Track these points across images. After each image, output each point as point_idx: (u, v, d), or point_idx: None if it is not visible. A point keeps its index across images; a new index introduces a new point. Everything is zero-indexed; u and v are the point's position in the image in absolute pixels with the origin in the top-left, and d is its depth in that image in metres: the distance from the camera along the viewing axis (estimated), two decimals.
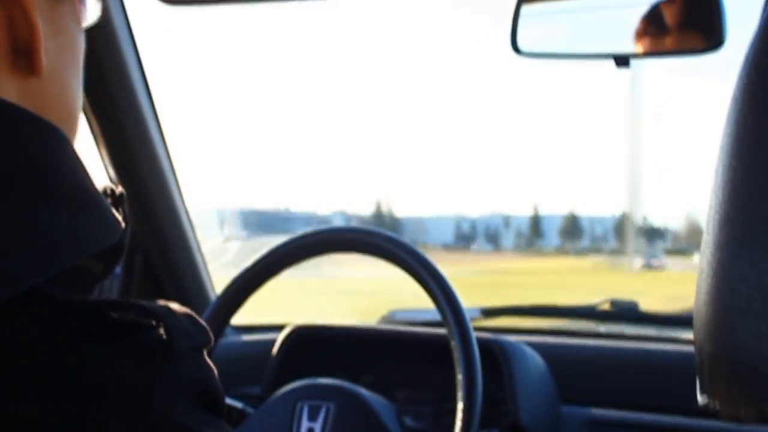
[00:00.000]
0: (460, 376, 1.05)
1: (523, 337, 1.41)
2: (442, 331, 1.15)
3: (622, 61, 0.98)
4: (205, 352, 0.44)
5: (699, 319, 0.41)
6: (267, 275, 1.21)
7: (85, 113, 1.34)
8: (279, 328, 1.49)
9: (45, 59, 0.44)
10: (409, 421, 1.19)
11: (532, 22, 1.03)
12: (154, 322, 0.42)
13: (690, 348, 1.29)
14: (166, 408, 0.39)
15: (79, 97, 0.50)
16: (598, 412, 1.30)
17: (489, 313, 1.60)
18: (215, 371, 0.44)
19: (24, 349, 0.38)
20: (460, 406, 1.03)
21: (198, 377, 0.43)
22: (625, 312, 1.60)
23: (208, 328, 0.45)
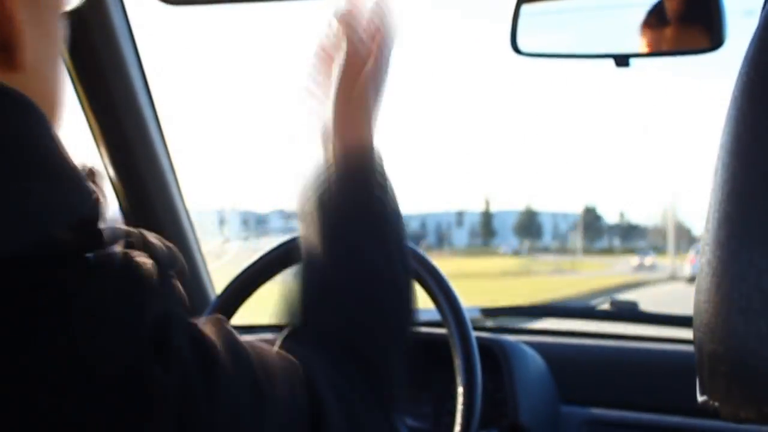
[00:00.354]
0: (459, 376, 1.05)
1: (523, 337, 1.41)
2: (442, 331, 1.15)
3: (622, 60, 0.98)
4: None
5: (698, 319, 0.41)
6: (267, 275, 1.20)
7: (85, 113, 1.34)
8: (279, 327, 1.48)
9: (27, 53, 0.45)
10: (409, 421, 1.19)
11: (532, 22, 1.03)
12: (139, 249, 0.44)
13: (690, 348, 1.28)
14: (161, 332, 0.41)
15: (61, 87, 0.50)
16: (597, 411, 1.30)
17: (489, 313, 1.59)
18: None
19: (13, 304, 0.39)
20: (460, 406, 1.03)
21: (182, 294, 0.45)
22: (625, 312, 1.60)
23: (176, 249, 0.47)
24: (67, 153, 0.44)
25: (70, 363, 0.38)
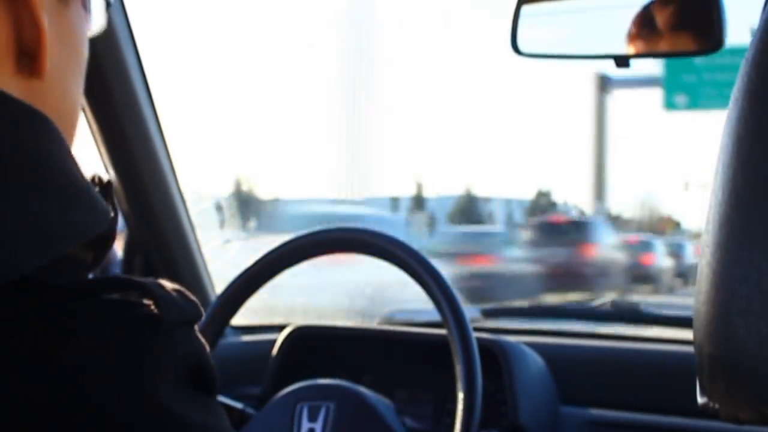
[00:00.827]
0: (460, 377, 1.05)
1: (523, 337, 1.41)
2: (442, 331, 1.15)
3: (622, 61, 0.98)
4: (196, 328, 0.44)
5: (699, 320, 0.40)
6: (267, 275, 1.20)
7: (84, 112, 1.34)
8: (279, 328, 1.49)
9: (49, 63, 0.44)
10: (409, 421, 1.19)
11: (532, 22, 1.03)
12: (144, 296, 0.42)
13: (690, 349, 1.28)
14: (154, 386, 0.39)
15: (79, 103, 0.50)
16: (598, 412, 1.30)
17: (489, 313, 1.60)
18: (207, 347, 0.44)
19: (8, 330, 0.38)
20: (459, 406, 1.03)
21: (189, 351, 0.42)
22: (626, 312, 1.60)
23: (198, 302, 0.45)
24: (79, 169, 0.44)
25: (51, 405, 0.37)
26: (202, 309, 0.44)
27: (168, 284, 0.43)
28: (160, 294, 0.42)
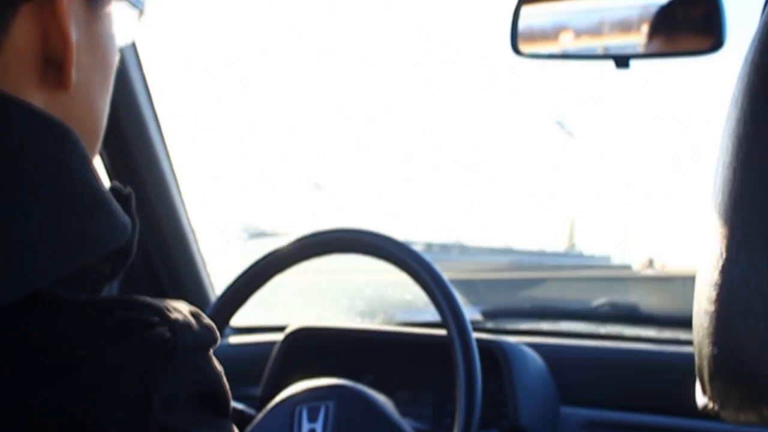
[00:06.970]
0: (459, 378, 1.05)
1: (523, 338, 1.41)
2: (442, 332, 1.15)
3: (622, 62, 0.98)
4: (211, 352, 0.43)
5: (698, 321, 0.41)
6: (267, 276, 1.21)
7: None
8: (279, 329, 1.49)
9: (76, 74, 0.44)
10: (409, 421, 1.19)
11: (532, 23, 1.03)
12: (158, 320, 0.41)
13: (690, 349, 1.28)
14: (164, 409, 0.38)
15: (104, 115, 0.49)
16: (597, 413, 1.30)
17: (489, 314, 1.60)
18: (221, 371, 0.43)
19: (25, 348, 0.38)
20: (460, 407, 1.03)
21: (201, 377, 0.42)
22: (625, 313, 1.60)
23: (214, 327, 0.44)
24: (100, 181, 0.43)
25: (58, 427, 0.36)
26: (217, 333, 0.44)
27: (184, 307, 0.43)
28: (174, 318, 0.41)
